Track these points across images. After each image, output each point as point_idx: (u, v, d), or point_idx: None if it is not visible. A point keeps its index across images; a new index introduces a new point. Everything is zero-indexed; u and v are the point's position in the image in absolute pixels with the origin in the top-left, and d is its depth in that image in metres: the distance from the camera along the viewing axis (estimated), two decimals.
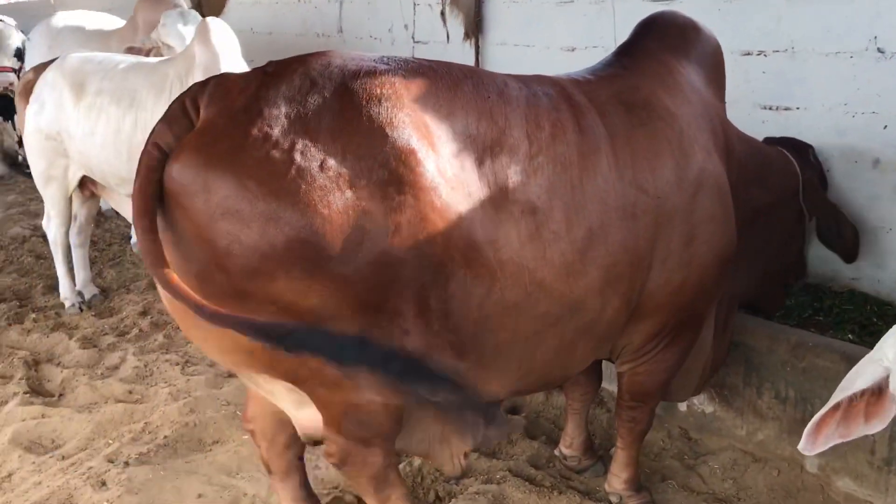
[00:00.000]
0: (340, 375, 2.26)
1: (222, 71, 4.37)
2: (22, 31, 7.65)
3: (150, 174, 2.17)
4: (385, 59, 2.35)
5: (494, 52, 6.03)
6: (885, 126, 4.04)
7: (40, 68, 5.16)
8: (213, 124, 2.15)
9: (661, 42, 3.02)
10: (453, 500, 3.32)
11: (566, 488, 3.41)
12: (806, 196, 3.70)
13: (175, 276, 2.08)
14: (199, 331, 2.27)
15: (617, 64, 2.94)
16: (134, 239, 6.45)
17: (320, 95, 2.17)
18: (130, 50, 5.69)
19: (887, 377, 1.88)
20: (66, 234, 5.33)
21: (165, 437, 3.80)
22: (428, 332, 2.27)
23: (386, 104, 2.19)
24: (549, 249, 2.41)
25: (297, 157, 2.07)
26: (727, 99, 3.30)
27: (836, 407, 1.97)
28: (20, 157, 5.83)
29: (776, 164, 3.63)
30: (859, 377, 1.92)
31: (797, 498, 3.40)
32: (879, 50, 3.99)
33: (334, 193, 2.07)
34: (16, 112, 5.26)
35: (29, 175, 5.45)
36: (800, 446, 2.02)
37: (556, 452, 3.62)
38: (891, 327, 1.93)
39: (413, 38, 6.63)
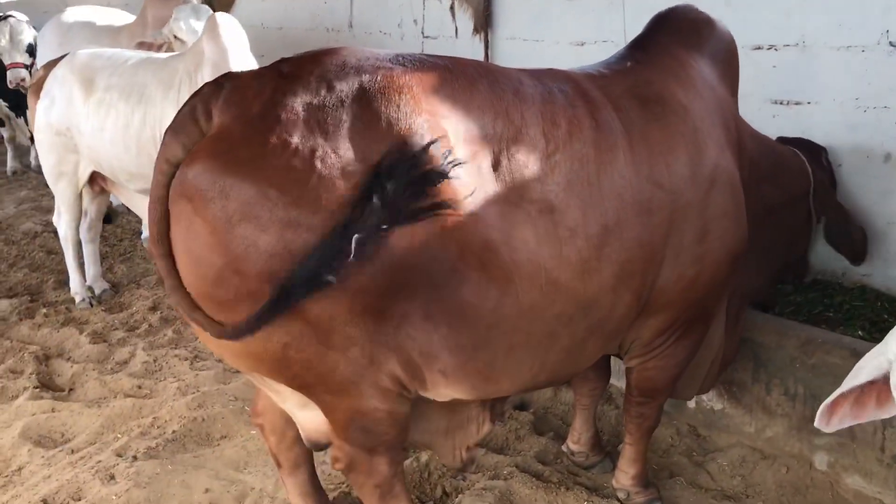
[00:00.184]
0: (346, 382, 2.27)
1: (231, 66, 4.40)
2: (34, 28, 7.68)
3: (163, 193, 2.18)
4: (400, 58, 2.33)
5: (504, 47, 6.01)
6: None
7: (51, 65, 5.18)
8: (229, 131, 2.12)
9: (675, 36, 3.00)
10: (460, 495, 3.32)
11: (573, 484, 3.41)
12: (816, 197, 3.69)
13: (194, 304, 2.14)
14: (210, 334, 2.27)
15: (630, 58, 2.92)
16: (144, 234, 6.48)
17: (338, 100, 2.14)
18: (142, 45, 5.71)
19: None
20: (77, 229, 5.36)
21: (174, 431, 3.81)
22: (435, 336, 2.27)
23: (404, 109, 2.17)
24: (565, 248, 2.39)
25: (318, 164, 2.06)
26: (738, 94, 3.27)
27: (847, 393, 1.99)
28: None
29: (788, 164, 3.61)
30: (864, 369, 1.93)
31: (806, 495, 3.38)
32: (891, 44, 3.95)
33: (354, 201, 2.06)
34: (28, 108, 5.28)
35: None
36: (816, 423, 2.04)
37: (564, 448, 3.62)
38: None
39: (422, 32, 6.62)
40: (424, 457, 3.50)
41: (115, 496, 3.36)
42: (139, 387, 4.29)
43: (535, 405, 4.06)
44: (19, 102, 7.84)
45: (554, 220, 2.37)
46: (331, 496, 3.27)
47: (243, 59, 4.57)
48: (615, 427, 3.89)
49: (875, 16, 3.98)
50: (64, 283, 5.59)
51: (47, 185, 5.39)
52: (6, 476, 3.57)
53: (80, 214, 5.33)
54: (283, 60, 2.29)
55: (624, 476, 3.30)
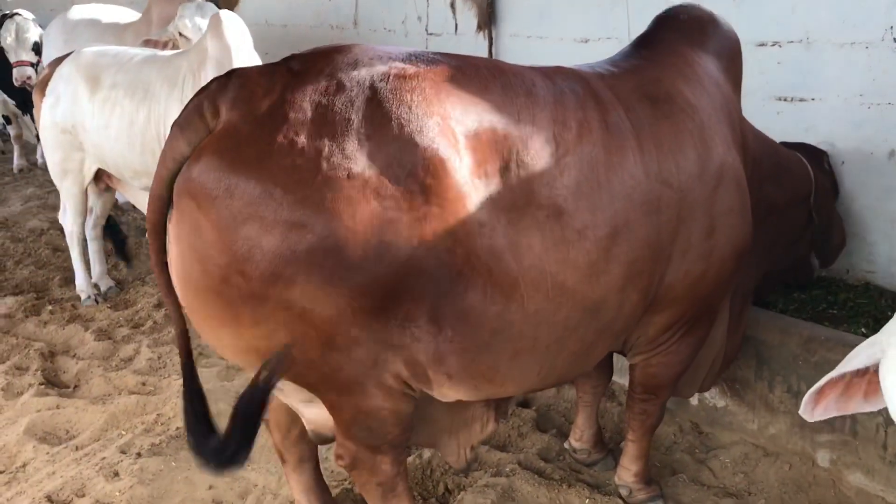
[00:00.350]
0: (350, 381, 2.27)
1: (234, 64, 4.41)
2: (40, 26, 7.71)
3: (165, 189, 2.19)
4: (413, 57, 2.30)
5: (508, 44, 6.01)
6: None
7: (57, 62, 5.20)
8: (236, 129, 2.10)
9: (680, 34, 2.99)
10: (462, 492, 3.32)
11: (576, 481, 3.41)
12: (817, 200, 3.70)
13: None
14: (212, 332, 2.27)
15: (637, 56, 2.91)
16: None
17: (348, 100, 2.12)
18: (147, 43, 5.72)
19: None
20: (83, 226, 5.38)
21: (178, 428, 3.83)
22: (440, 339, 2.26)
23: (416, 111, 2.15)
24: (572, 252, 2.37)
25: (324, 165, 2.04)
26: (742, 90, 3.26)
27: (836, 381, 1.98)
28: None
29: (791, 165, 3.62)
30: (857, 357, 1.92)
31: (808, 492, 3.38)
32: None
33: (360, 204, 2.05)
34: (34, 106, 5.31)
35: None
36: (800, 411, 2.03)
37: (566, 446, 3.62)
38: None
39: (426, 29, 6.62)
40: (427, 454, 3.51)
41: (119, 492, 3.38)
42: (143, 384, 4.31)
43: (538, 402, 4.07)
44: (26, 100, 7.87)
45: (562, 224, 2.35)
46: (333, 493, 3.28)
47: (247, 57, 4.59)
48: (617, 424, 3.90)
49: (879, 12, 3.97)
50: (70, 280, 5.62)
51: (53, 183, 5.40)
52: (11, 472, 3.59)
53: (85, 212, 5.35)
54: (293, 57, 2.27)
55: (626, 473, 3.31)
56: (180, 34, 5.68)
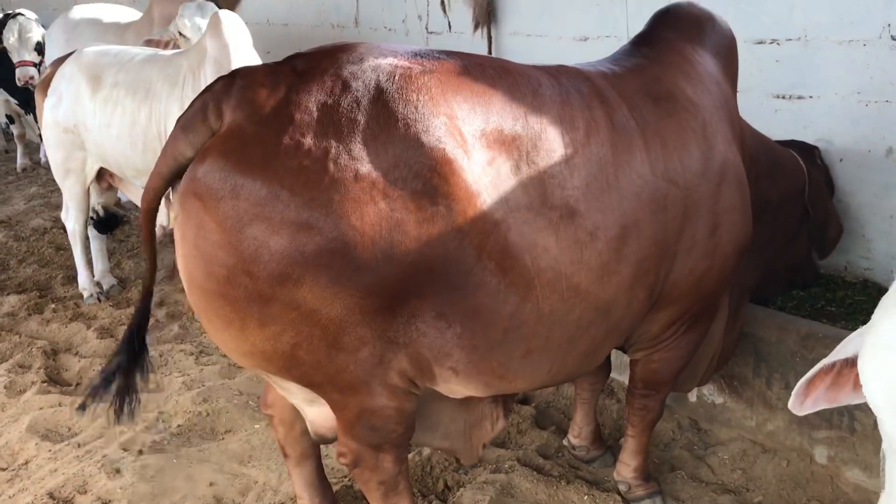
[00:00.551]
0: (356, 381, 2.26)
1: (233, 63, 4.42)
2: (42, 26, 7.74)
3: (160, 184, 2.22)
4: (419, 55, 2.29)
5: (507, 42, 6.02)
6: None
7: (59, 62, 5.22)
8: (241, 129, 2.09)
9: (679, 32, 3.00)
10: (461, 489, 3.34)
11: (574, 478, 3.43)
12: (810, 194, 3.71)
13: None
14: (217, 333, 2.27)
15: (638, 54, 2.92)
16: None
17: (354, 100, 2.11)
18: (149, 42, 5.74)
19: None
20: (85, 225, 5.40)
21: (179, 425, 3.85)
22: (448, 334, 2.26)
23: (422, 110, 2.14)
24: (585, 252, 2.37)
25: (331, 166, 2.04)
26: (740, 88, 3.28)
27: (827, 371, 1.99)
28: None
29: (784, 162, 3.64)
30: (847, 346, 1.93)
31: (806, 489, 3.39)
32: (893, 37, 3.94)
33: (368, 205, 2.05)
34: (36, 105, 5.34)
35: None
36: (789, 404, 2.03)
37: (565, 442, 3.63)
38: None
39: (427, 28, 6.63)
40: (427, 451, 3.52)
41: (121, 489, 3.40)
42: (145, 381, 4.32)
43: (537, 399, 4.08)
44: (29, 100, 7.89)
45: (574, 225, 2.35)
46: (334, 489, 3.30)
47: (246, 56, 4.59)
48: (616, 421, 3.91)
49: (877, 10, 3.98)
50: (73, 278, 5.64)
51: (56, 182, 5.42)
52: (13, 470, 3.62)
53: (87, 211, 5.37)
54: (296, 56, 2.25)
55: (626, 468, 3.31)
56: (180, 34, 5.70)
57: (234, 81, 2.18)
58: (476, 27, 6.06)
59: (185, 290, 2.26)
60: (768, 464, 3.52)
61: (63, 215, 5.42)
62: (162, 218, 3.95)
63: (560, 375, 2.63)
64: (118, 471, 3.53)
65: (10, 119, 8.93)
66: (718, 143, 2.76)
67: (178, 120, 2.21)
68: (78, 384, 4.38)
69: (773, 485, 3.42)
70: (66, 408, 4.06)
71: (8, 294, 5.53)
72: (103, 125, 4.89)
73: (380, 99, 2.13)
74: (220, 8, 5.41)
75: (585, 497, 3.29)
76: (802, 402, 2.04)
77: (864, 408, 1.97)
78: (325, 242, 2.04)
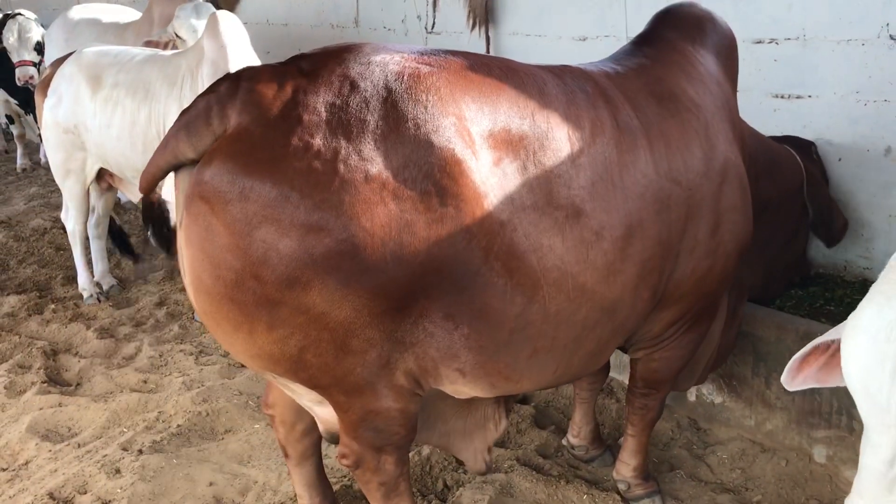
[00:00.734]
0: (362, 383, 2.25)
1: (229, 63, 4.42)
2: (42, 26, 7.74)
3: (159, 173, 2.23)
4: (425, 55, 2.28)
5: (506, 42, 6.03)
6: None
7: (59, 63, 5.22)
8: (248, 131, 2.07)
9: (680, 32, 3.01)
10: (461, 488, 3.34)
11: (574, 478, 3.43)
12: (809, 190, 3.72)
13: None
14: (225, 336, 2.26)
15: (639, 54, 2.93)
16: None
17: (363, 100, 2.10)
18: (149, 44, 5.74)
19: None
20: (85, 225, 5.41)
21: (178, 425, 3.85)
22: (455, 335, 2.25)
23: (432, 110, 2.14)
24: (591, 252, 2.38)
25: (341, 167, 2.02)
26: (738, 88, 3.29)
27: (822, 350, 2.03)
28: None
29: (782, 160, 3.65)
30: (841, 329, 1.98)
31: (805, 488, 3.39)
32: (892, 37, 3.95)
33: (378, 206, 2.04)
34: (36, 106, 5.34)
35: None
36: (781, 378, 2.10)
37: (564, 442, 3.64)
38: None
39: (426, 28, 6.64)
40: (426, 450, 3.53)
41: (121, 489, 3.40)
42: (145, 381, 4.34)
43: (536, 399, 4.08)
44: (29, 100, 7.89)
45: (580, 225, 2.35)
46: (333, 488, 3.30)
47: (243, 57, 4.58)
48: (615, 420, 3.91)
49: (875, 9, 3.98)
50: (73, 278, 5.65)
51: (56, 182, 5.43)
52: (13, 470, 3.62)
53: (87, 211, 5.38)
54: (301, 57, 2.24)
55: (625, 467, 3.32)
56: (176, 35, 5.70)
57: (239, 83, 2.16)
58: (473, 27, 6.06)
59: (190, 293, 2.24)
60: (767, 463, 3.53)
61: (63, 216, 5.42)
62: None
63: (566, 376, 2.64)
64: (118, 471, 3.53)
65: (10, 119, 8.94)
66: (720, 143, 2.78)
67: (179, 119, 2.18)
68: (78, 384, 4.39)
69: (771, 484, 3.42)
70: (66, 408, 4.06)
71: (8, 294, 5.53)
72: (103, 126, 4.89)
73: (389, 99, 2.12)
74: (219, 8, 5.41)
75: (585, 496, 3.30)
76: (794, 377, 2.08)
77: None
78: (334, 244, 2.02)
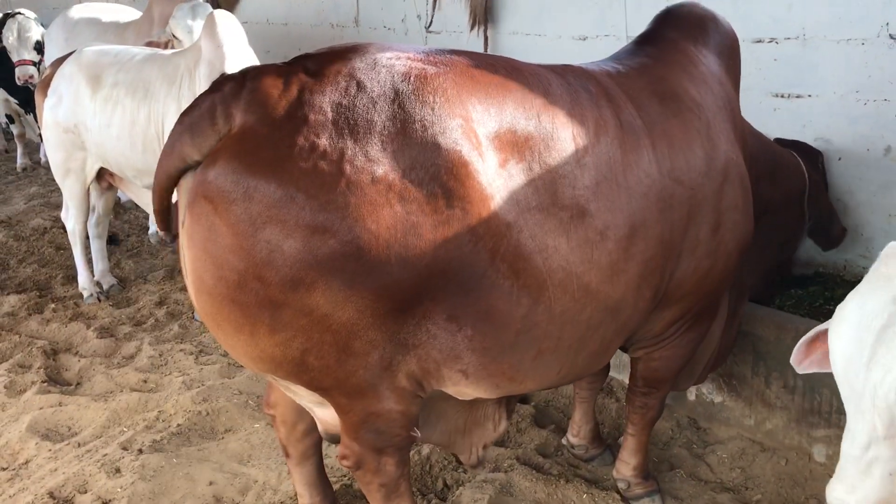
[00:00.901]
0: (364, 385, 2.24)
1: (226, 63, 4.42)
2: (42, 25, 7.74)
3: (169, 181, 2.19)
4: (431, 56, 2.27)
5: (505, 42, 6.03)
6: None
7: (59, 62, 5.22)
8: (253, 131, 2.04)
9: (683, 32, 3.02)
10: (461, 488, 3.34)
11: (573, 477, 3.43)
12: (810, 198, 3.73)
13: None
14: (226, 338, 2.25)
15: (642, 53, 2.93)
16: (152, 230, 6.53)
17: (369, 101, 2.08)
18: (150, 44, 5.74)
19: None
20: (85, 225, 5.41)
21: (179, 425, 3.85)
22: (458, 336, 2.25)
23: (439, 111, 2.12)
24: (595, 252, 2.37)
25: (348, 168, 2.01)
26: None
27: (823, 336, 2.15)
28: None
29: (785, 164, 3.66)
30: None
31: (805, 487, 3.39)
32: (892, 36, 3.95)
33: (384, 208, 2.02)
34: (36, 105, 5.34)
35: None
36: (791, 359, 2.21)
37: (564, 441, 3.64)
38: None
39: (426, 28, 6.64)
40: (426, 449, 3.53)
41: (121, 489, 3.40)
42: (145, 381, 4.34)
43: (536, 398, 4.09)
44: (29, 99, 7.89)
45: (585, 225, 2.35)
46: (333, 487, 3.30)
47: (240, 57, 4.57)
48: (615, 419, 3.92)
49: (875, 8, 3.98)
50: (73, 278, 5.65)
51: (56, 182, 5.43)
52: (13, 469, 3.62)
53: (87, 210, 5.38)
54: (306, 57, 2.22)
55: (625, 466, 3.32)
56: (173, 35, 5.71)
57: (244, 82, 2.13)
58: (473, 26, 6.06)
59: (192, 294, 2.23)
60: (767, 462, 3.53)
61: (63, 215, 5.42)
62: None
63: (569, 376, 2.64)
64: (118, 470, 3.53)
65: (10, 118, 8.93)
66: (722, 143, 2.78)
67: (182, 120, 2.16)
68: (78, 384, 4.39)
69: (771, 483, 3.42)
70: (66, 407, 4.07)
71: (8, 294, 5.53)
72: (103, 125, 4.89)
73: (396, 100, 2.10)
74: (218, 7, 5.41)
75: (584, 496, 3.30)
76: (801, 360, 2.13)
77: None
78: (339, 246, 2.01)
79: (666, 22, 3.08)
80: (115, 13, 7.28)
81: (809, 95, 4.31)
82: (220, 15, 4.76)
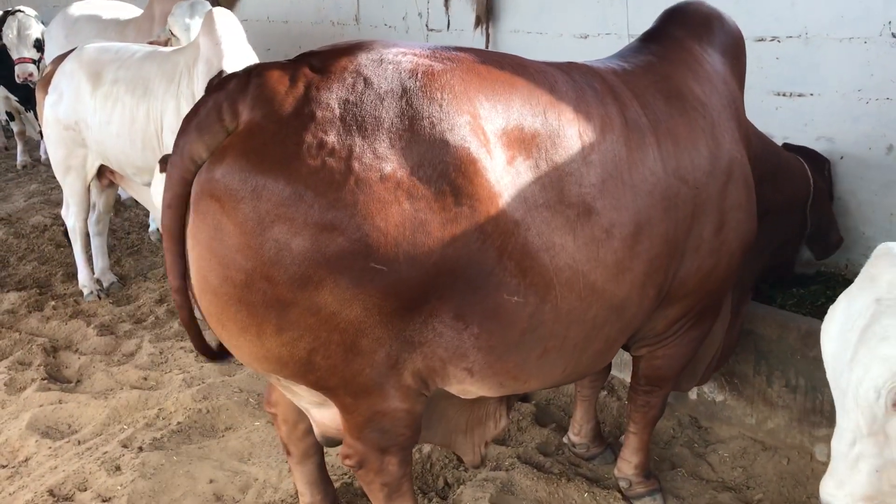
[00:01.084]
0: (370, 384, 2.23)
1: (224, 61, 4.41)
2: (42, 23, 7.73)
3: (184, 187, 2.11)
4: (437, 53, 2.26)
5: (507, 40, 6.01)
6: None
7: (59, 60, 5.22)
8: (261, 128, 2.02)
9: (688, 30, 3.01)
10: (462, 486, 3.34)
11: (575, 475, 3.43)
12: (813, 205, 3.72)
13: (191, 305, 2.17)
14: (231, 338, 2.23)
15: (646, 51, 2.92)
16: (152, 227, 6.52)
17: (377, 98, 2.07)
18: (152, 44, 5.73)
19: None
20: (85, 222, 5.40)
21: (179, 423, 3.84)
22: (465, 335, 2.24)
23: (447, 108, 2.11)
24: (601, 250, 2.37)
25: (356, 165, 1.99)
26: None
27: None
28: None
29: (789, 167, 3.64)
30: None
31: (807, 486, 3.39)
32: (894, 35, 3.94)
33: (392, 205, 2.01)
34: (37, 102, 5.34)
35: None
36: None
37: (565, 440, 3.63)
38: None
39: (427, 26, 6.63)
40: (427, 448, 3.52)
41: (121, 486, 3.39)
42: (145, 378, 4.33)
43: (537, 397, 4.08)
44: (29, 96, 7.89)
45: (591, 223, 2.34)
46: (334, 485, 3.30)
47: (238, 54, 4.56)
48: (616, 418, 3.91)
49: (877, 7, 3.98)
50: (73, 275, 5.63)
51: (56, 179, 5.42)
52: (13, 467, 3.61)
53: (88, 208, 5.37)
54: (311, 54, 2.20)
55: (627, 465, 3.31)
56: (171, 33, 5.70)
57: (249, 79, 2.12)
58: (478, 25, 6.05)
59: (195, 293, 2.21)
60: (769, 461, 3.52)
61: (63, 212, 5.41)
62: (159, 213, 3.96)
63: (574, 375, 2.63)
64: (118, 468, 3.52)
65: (10, 116, 8.92)
66: (726, 142, 2.78)
67: (188, 121, 2.14)
68: (78, 381, 4.38)
69: (773, 482, 3.42)
70: (66, 405, 4.06)
71: (8, 291, 5.52)
72: (103, 122, 4.88)
73: (404, 97, 2.09)
74: (219, 5, 5.40)
75: (586, 494, 3.29)
76: None
77: None
78: (348, 244, 2.00)
79: (671, 20, 3.07)
80: (116, 10, 7.26)
81: (811, 94, 4.30)
82: (219, 12, 4.75)
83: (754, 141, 3.24)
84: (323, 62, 2.14)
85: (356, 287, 2.05)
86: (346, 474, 3.43)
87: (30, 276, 5.83)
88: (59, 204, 5.69)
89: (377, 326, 2.12)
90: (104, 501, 3.33)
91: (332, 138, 2.00)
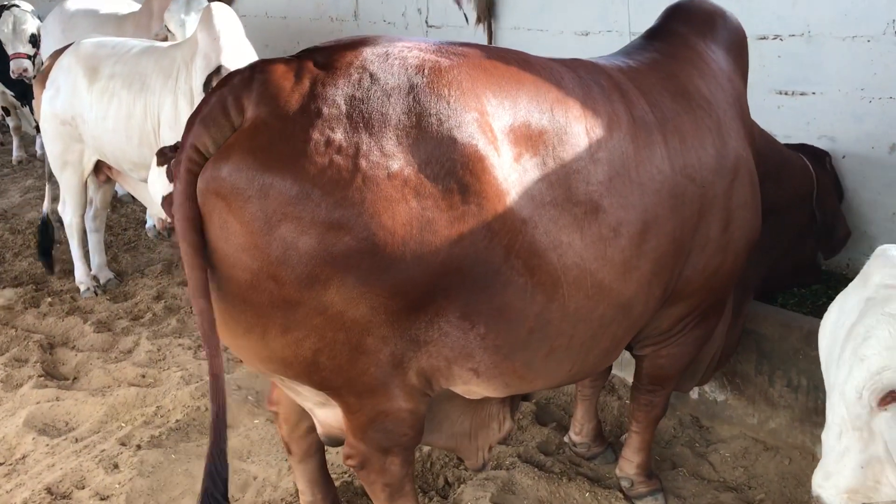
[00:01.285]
0: (375, 384, 2.21)
1: (221, 57, 4.39)
2: (38, 18, 7.68)
3: (193, 182, 2.06)
4: (443, 49, 2.23)
5: (507, 37, 5.99)
6: None
7: (57, 55, 5.18)
8: (267, 126, 2.00)
9: (692, 28, 3.00)
10: (462, 485, 3.32)
11: (575, 475, 3.41)
12: (819, 199, 3.71)
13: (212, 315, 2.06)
14: (234, 339, 2.22)
15: (651, 49, 2.91)
16: (149, 223, 6.48)
17: (384, 94, 2.04)
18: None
19: None
20: (82, 218, 5.37)
21: (177, 420, 3.82)
22: (471, 335, 2.22)
23: (454, 105, 2.09)
24: (609, 249, 2.35)
25: (363, 163, 1.97)
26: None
27: None
28: None
29: (792, 165, 3.64)
30: None
31: (808, 486, 3.35)
32: None
33: (399, 203, 1.99)
34: (34, 97, 5.30)
35: None
36: None
37: (566, 439, 3.62)
38: None
39: (427, 22, 6.61)
40: (427, 447, 3.50)
41: (119, 484, 3.37)
42: (143, 376, 4.31)
43: (538, 396, 4.06)
44: (25, 92, 7.85)
45: (598, 221, 2.32)
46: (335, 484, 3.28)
47: (236, 50, 4.52)
48: (617, 418, 3.90)
49: (881, 6, 3.96)
50: (69, 272, 5.61)
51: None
52: (10, 464, 3.59)
53: (84, 204, 5.34)
54: (315, 50, 2.18)
55: (628, 465, 3.30)
56: (168, 29, 5.67)
57: (253, 75, 2.09)
58: (479, 22, 6.03)
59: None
60: (770, 461, 3.51)
61: (60, 208, 5.38)
62: (159, 210, 3.94)
63: (579, 374, 2.62)
64: (116, 466, 3.50)
65: (6, 111, 8.88)
66: (731, 140, 2.77)
67: (195, 116, 2.11)
68: (75, 378, 4.35)
69: (774, 482, 3.41)
70: (63, 402, 4.03)
71: (4, 287, 5.49)
72: (100, 117, 4.86)
73: (411, 93, 2.06)
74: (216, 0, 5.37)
75: (587, 494, 3.28)
76: None
77: None
78: (355, 243, 1.98)
79: (674, 17, 3.06)
80: (113, 5, 7.21)
81: (814, 93, 4.29)
82: (217, 7, 4.73)
83: (758, 139, 3.23)
84: (327, 58, 2.11)
85: (363, 286, 2.02)
86: (346, 473, 3.42)
87: (26, 272, 5.81)
88: (56, 199, 5.65)
89: (383, 325, 2.10)
90: (102, 500, 3.31)
91: (338, 135, 1.98)
